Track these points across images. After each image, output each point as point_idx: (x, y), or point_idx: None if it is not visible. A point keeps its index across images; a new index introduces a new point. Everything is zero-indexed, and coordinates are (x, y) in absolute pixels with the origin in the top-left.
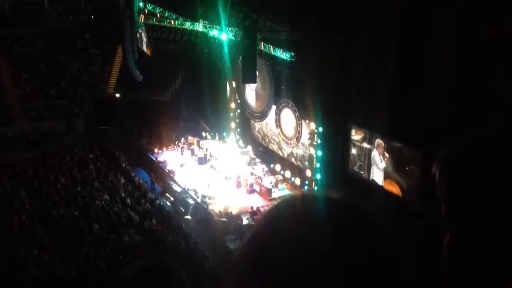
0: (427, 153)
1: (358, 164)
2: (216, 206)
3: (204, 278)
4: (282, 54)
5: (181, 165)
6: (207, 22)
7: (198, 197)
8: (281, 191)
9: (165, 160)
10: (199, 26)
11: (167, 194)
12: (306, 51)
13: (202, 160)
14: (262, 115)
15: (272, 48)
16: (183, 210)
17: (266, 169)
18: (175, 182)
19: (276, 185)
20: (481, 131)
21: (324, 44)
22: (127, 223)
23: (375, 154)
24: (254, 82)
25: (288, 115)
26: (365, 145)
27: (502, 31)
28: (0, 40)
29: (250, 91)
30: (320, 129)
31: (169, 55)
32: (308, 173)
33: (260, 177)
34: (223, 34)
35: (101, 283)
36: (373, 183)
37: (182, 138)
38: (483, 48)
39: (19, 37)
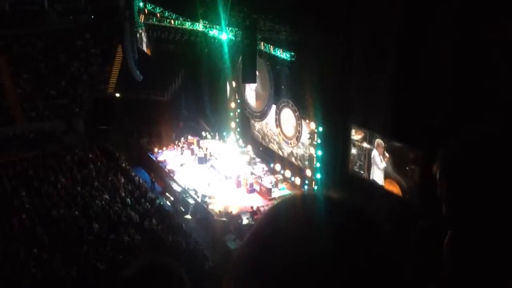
0: (427, 153)
1: (358, 164)
2: (216, 206)
3: (204, 277)
4: (282, 54)
5: (181, 165)
6: (207, 22)
7: (198, 197)
8: (281, 191)
9: (165, 160)
10: (199, 26)
11: (167, 194)
12: (306, 51)
13: (202, 160)
14: (262, 115)
15: (272, 48)
16: (183, 209)
17: (266, 168)
18: (175, 181)
19: (276, 185)
20: (481, 131)
21: (324, 44)
22: (127, 223)
23: (375, 154)
24: (254, 82)
25: (288, 115)
26: (365, 145)
27: (502, 31)
28: (0, 40)
29: (250, 91)
30: (320, 128)
31: (169, 55)
32: (308, 172)
33: (260, 177)
34: (223, 34)
35: (101, 283)
36: (373, 183)
37: (182, 138)
38: (483, 48)
39: (19, 37)
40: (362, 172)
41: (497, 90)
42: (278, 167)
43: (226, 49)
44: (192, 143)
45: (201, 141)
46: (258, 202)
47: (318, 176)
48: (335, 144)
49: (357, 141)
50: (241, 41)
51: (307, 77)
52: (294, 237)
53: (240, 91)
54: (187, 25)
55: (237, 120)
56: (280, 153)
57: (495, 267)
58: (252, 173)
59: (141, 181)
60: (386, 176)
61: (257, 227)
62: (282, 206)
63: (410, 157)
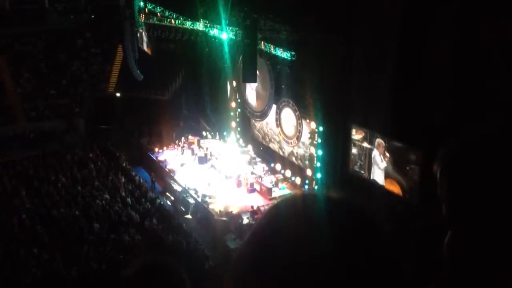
0: (427, 153)
1: (358, 164)
2: (216, 205)
3: (204, 277)
4: (283, 54)
5: (182, 165)
6: (207, 22)
7: (198, 197)
8: (282, 190)
9: (165, 160)
10: (200, 26)
11: (167, 194)
12: (307, 51)
13: (203, 160)
14: (263, 115)
15: (272, 48)
16: (183, 209)
17: (266, 168)
18: (175, 181)
19: (276, 184)
20: (481, 131)
21: (325, 44)
22: (128, 223)
23: (375, 153)
24: (255, 81)
25: (288, 115)
26: (366, 144)
27: (502, 31)
28: (1, 39)
29: (251, 90)
30: (321, 128)
31: (170, 54)
32: (309, 172)
33: (260, 176)
34: (224, 34)
35: (101, 283)
36: (374, 182)
37: (183, 138)
38: (483, 48)
39: (19, 36)
40: (362, 172)
41: (497, 90)
42: (278, 166)
43: (226, 48)
44: (193, 143)
45: (201, 141)
46: (258, 201)
47: (319, 175)
48: (335, 144)
49: (358, 140)
50: (242, 41)
51: (307, 76)
52: (294, 237)
53: (240, 91)
54: (188, 24)
55: (238, 119)
56: (281, 152)
57: (495, 267)
58: (252, 173)
59: (141, 180)
60: (387, 176)
61: (257, 227)
62: (282, 206)
63: (411, 157)
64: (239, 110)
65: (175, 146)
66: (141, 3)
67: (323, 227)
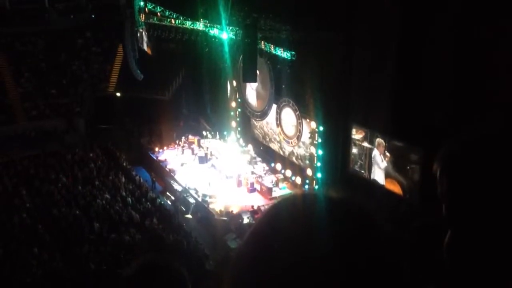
0: (427, 152)
1: (359, 163)
2: (216, 205)
3: (204, 277)
4: (283, 53)
5: (182, 164)
6: (207, 21)
7: (198, 196)
8: (282, 190)
9: (165, 159)
10: (200, 25)
11: (167, 193)
12: (307, 50)
13: (203, 159)
14: (263, 114)
15: (272, 47)
16: (183, 209)
17: (266, 168)
18: (175, 181)
19: (276, 184)
20: (481, 131)
21: (325, 43)
22: (128, 222)
23: (376, 153)
24: (255, 81)
25: (288, 114)
26: (366, 144)
27: (502, 31)
28: (1, 39)
29: (251, 90)
30: (321, 128)
31: (170, 54)
32: (309, 172)
33: (260, 176)
34: (224, 33)
35: (101, 282)
36: (374, 182)
37: (183, 137)
38: (483, 48)
39: (20, 35)
40: (363, 171)
41: (497, 90)
42: (278, 166)
43: (226, 48)
44: (193, 143)
45: (201, 141)
46: (258, 201)
47: (319, 175)
48: (335, 144)
49: (358, 140)
50: (242, 40)
51: (307, 76)
52: (294, 237)
53: (240, 91)
54: (188, 24)
55: (238, 119)
56: (281, 152)
57: (495, 267)
58: (252, 173)
59: (141, 180)
60: (387, 175)
61: (256, 226)
62: (282, 205)
63: (411, 156)
64: (239, 109)
65: (176, 145)
66: (141, 3)
67: (323, 227)
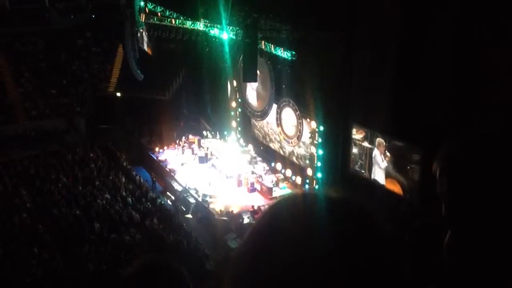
0: (428, 152)
1: (359, 163)
2: (217, 205)
3: (205, 276)
4: (283, 53)
5: (182, 164)
6: (208, 21)
7: (199, 196)
8: (282, 190)
9: (166, 159)
10: (200, 25)
11: (168, 193)
12: (307, 50)
13: (203, 159)
14: (263, 114)
15: (273, 47)
16: (184, 209)
17: (267, 168)
18: (176, 181)
19: (277, 184)
20: (481, 131)
21: (325, 43)
22: (128, 222)
23: (376, 153)
24: (255, 81)
25: (289, 114)
26: (366, 144)
27: (502, 31)
28: (1, 39)
29: (251, 90)
30: (321, 128)
31: (170, 54)
32: (309, 172)
33: (261, 176)
34: (224, 33)
35: (101, 282)
36: (375, 182)
37: (183, 137)
38: (483, 48)
39: (20, 35)
40: (363, 171)
41: (497, 90)
42: (279, 166)
43: (227, 48)
44: (193, 143)
45: (202, 140)
46: (259, 201)
47: (319, 175)
48: (336, 143)
49: (358, 140)
50: (242, 40)
51: (308, 76)
52: (293, 237)
53: (241, 90)
54: (188, 24)
55: (238, 119)
56: (281, 152)
57: (495, 267)
58: (253, 172)
59: (142, 180)
60: (387, 175)
61: (256, 226)
62: (282, 205)
63: (411, 156)
64: (239, 109)
65: (176, 145)
66: (142, 3)
67: (323, 227)
